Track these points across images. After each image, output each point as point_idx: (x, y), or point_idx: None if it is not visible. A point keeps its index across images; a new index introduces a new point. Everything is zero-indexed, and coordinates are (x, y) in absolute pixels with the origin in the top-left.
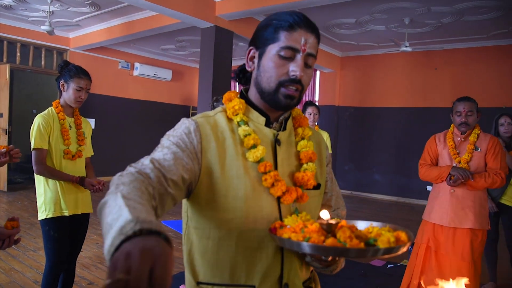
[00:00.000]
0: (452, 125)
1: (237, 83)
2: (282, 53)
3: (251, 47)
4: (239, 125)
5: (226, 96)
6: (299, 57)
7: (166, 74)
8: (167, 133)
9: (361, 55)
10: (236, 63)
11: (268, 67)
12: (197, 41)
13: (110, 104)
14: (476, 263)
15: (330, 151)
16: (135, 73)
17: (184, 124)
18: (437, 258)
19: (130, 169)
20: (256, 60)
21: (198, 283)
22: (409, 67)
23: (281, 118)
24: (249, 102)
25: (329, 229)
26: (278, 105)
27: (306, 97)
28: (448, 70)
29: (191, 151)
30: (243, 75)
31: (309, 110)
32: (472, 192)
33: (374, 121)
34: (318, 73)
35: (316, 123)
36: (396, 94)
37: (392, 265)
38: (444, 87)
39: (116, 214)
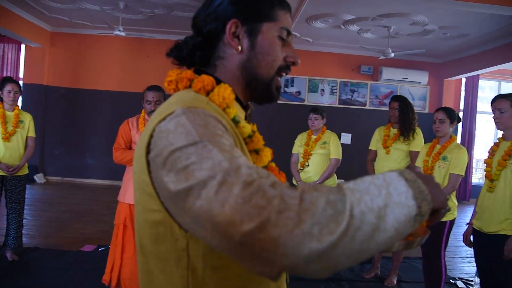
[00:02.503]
0: (143, 111)
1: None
2: (283, 35)
3: (233, 19)
4: (235, 122)
5: (202, 80)
6: (290, 41)
7: None
8: (194, 126)
9: (74, 33)
10: None
11: (271, 50)
12: None
13: None
14: None
15: (33, 135)
16: None
17: (202, 113)
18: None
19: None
20: (245, 39)
21: None
22: (123, 51)
23: (248, 112)
24: None
25: None
26: (268, 98)
27: (7, 73)
28: (159, 58)
29: None
30: (202, 53)
31: (8, 87)
32: None
33: (87, 103)
34: (23, 47)
35: (17, 104)
36: (110, 77)
37: (103, 248)
38: (155, 74)
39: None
